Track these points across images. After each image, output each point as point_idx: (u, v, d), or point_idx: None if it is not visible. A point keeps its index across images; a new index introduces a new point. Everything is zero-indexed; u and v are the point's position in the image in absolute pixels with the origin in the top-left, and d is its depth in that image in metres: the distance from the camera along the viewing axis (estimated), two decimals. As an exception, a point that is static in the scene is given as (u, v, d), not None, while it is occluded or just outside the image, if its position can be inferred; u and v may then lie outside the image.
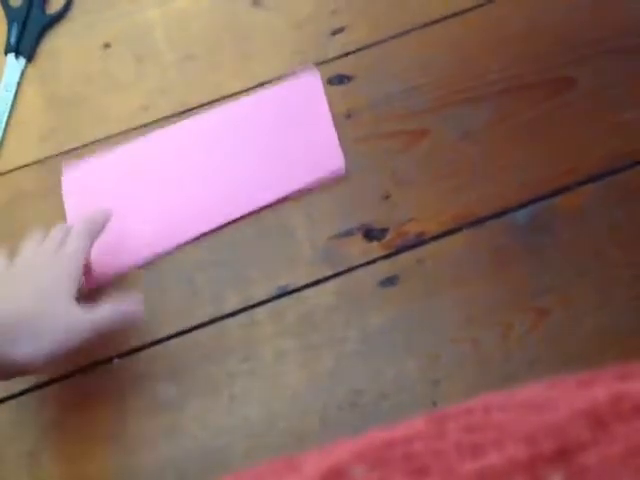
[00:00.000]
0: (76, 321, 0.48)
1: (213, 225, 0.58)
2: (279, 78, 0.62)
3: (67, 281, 0.49)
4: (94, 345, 0.50)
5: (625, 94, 0.59)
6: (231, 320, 0.55)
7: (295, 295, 0.56)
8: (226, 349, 0.55)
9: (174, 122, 0.61)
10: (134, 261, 0.57)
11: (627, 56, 0.60)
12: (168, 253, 0.57)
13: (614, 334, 0.53)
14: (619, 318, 0.53)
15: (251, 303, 0.56)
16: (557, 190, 0.57)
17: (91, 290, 0.56)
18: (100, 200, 0.59)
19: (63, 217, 0.59)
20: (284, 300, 0.56)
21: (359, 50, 0.62)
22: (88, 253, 0.52)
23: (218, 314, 0.56)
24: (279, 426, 0.52)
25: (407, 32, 0.63)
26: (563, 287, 0.54)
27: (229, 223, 0.58)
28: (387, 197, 0.58)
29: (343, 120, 0.60)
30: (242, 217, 0.58)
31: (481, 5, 0.63)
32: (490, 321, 0.54)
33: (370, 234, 0.57)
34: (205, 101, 0.62)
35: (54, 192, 0.60)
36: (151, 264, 0.57)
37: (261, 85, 0.62)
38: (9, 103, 0.63)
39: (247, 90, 0.62)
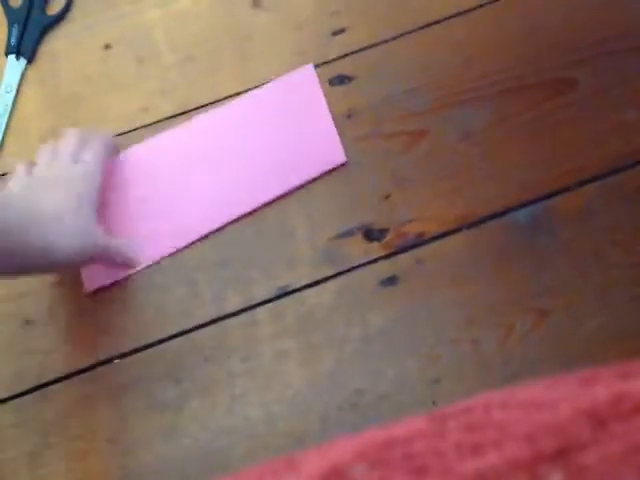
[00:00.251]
0: (96, 231, 0.51)
1: (216, 225, 0.58)
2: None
3: (89, 191, 0.52)
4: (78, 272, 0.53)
5: (625, 95, 0.59)
6: (232, 320, 0.55)
7: (295, 295, 0.56)
8: (227, 349, 0.55)
9: (174, 123, 0.61)
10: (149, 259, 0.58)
11: (627, 57, 0.60)
12: (171, 255, 0.57)
13: (615, 334, 0.53)
14: (620, 318, 0.53)
15: (252, 303, 0.56)
16: (557, 190, 0.57)
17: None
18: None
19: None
20: (284, 300, 0.56)
21: (359, 51, 0.62)
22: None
23: (219, 314, 0.56)
24: (279, 426, 0.52)
25: (407, 33, 0.63)
26: (564, 287, 0.54)
27: (231, 222, 0.58)
28: (387, 197, 0.58)
29: (344, 120, 0.60)
30: (244, 215, 0.58)
31: (481, 6, 0.63)
32: (490, 321, 0.53)
33: (370, 234, 0.57)
34: (205, 102, 0.62)
35: (55, 193, 0.60)
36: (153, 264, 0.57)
37: (262, 86, 0.62)
38: (9, 104, 0.63)
39: (247, 91, 0.62)
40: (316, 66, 0.62)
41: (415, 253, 0.56)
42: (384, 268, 0.56)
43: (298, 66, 0.62)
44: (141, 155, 0.61)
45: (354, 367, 0.53)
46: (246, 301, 0.56)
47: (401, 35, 0.63)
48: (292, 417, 0.52)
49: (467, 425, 0.20)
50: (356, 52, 0.62)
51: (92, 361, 0.55)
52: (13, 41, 0.65)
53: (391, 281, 0.55)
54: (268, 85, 0.62)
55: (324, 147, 0.59)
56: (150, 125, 0.62)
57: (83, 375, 0.55)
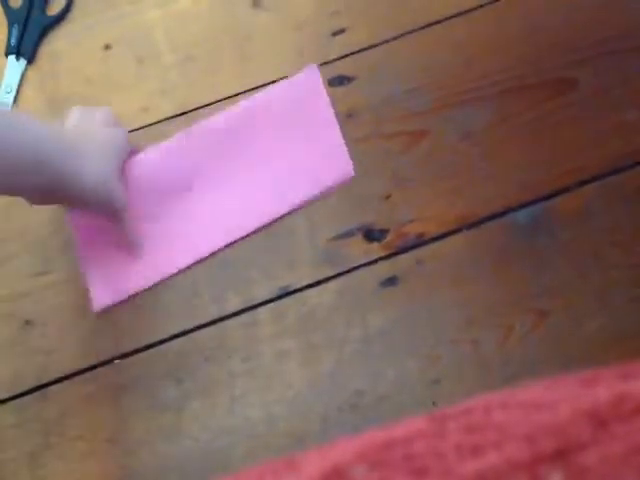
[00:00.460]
0: (120, 185, 0.54)
1: (227, 240, 0.57)
2: (279, 79, 0.62)
3: (119, 151, 0.55)
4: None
5: (626, 95, 0.59)
6: (232, 320, 0.55)
7: (296, 296, 0.56)
8: (227, 349, 0.55)
9: (174, 123, 0.61)
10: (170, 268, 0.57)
11: (628, 57, 0.60)
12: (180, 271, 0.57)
13: (615, 335, 0.53)
14: (620, 319, 0.53)
15: (252, 303, 0.56)
16: (557, 191, 0.57)
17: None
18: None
19: (63, 218, 0.59)
20: (285, 300, 0.56)
21: (360, 51, 0.62)
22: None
23: (219, 314, 0.56)
24: (280, 427, 0.52)
25: (408, 33, 0.63)
26: (563, 288, 0.54)
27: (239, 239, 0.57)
28: (387, 198, 0.58)
29: (344, 121, 0.60)
30: (253, 232, 0.57)
31: (482, 6, 0.63)
32: (490, 322, 0.54)
33: (370, 235, 0.57)
34: (205, 102, 0.62)
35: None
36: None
37: (262, 86, 0.62)
38: (10, 105, 0.63)
39: (247, 91, 0.62)
40: (316, 66, 0.62)
41: (415, 253, 0.56)
42: (384, 268, 0.56)
43: (298, 66, 0.62)
44: (144, 168, 0.59)
45: (354, 367, 0.53)
46: (247, 301, 0.56)
47: (401, 35, 0.63)
48: (292, 417, 0.53)
49: (467, 426, 0.20)
50: (356, 52, 0.62)
51: (92, 361, 0.55)
52: (13, 41, 0.65)
53: (391, 281, 0.55)
54: (272, 88, 0.61)
55: (332, 161, 0.58)
56: (150, 125, 0.62)
57: (83, 375, 0.55)
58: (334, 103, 0.60)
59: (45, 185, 0.48)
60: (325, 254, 0.57)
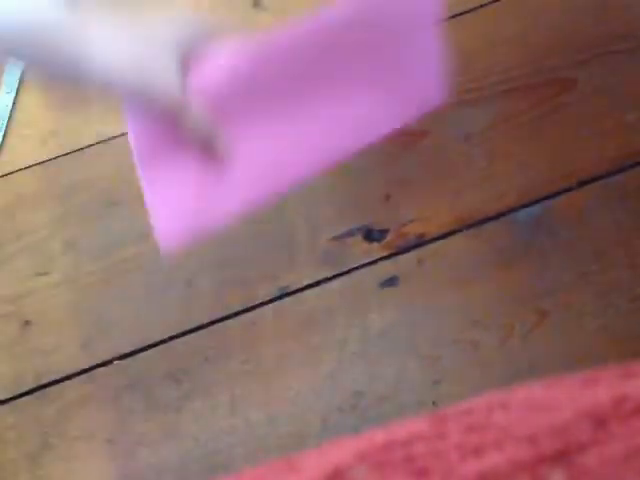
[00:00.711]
0: (172, 77, 0.41)
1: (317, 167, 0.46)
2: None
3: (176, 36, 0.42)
4: None
5: (625, 95, 0.59)
6: (232, 321, 0.55)
7: (296, 296, 0.56)
8: (227, 350, 0.55)
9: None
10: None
11: (627, 57, 0.60)
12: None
13: (615, 335, 0.53)
14: (620, 319, 0.53)
15: (252, 304, 0.56)
16: (558, 191, 0.57)
17: None
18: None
19: (63, 218, 0.59)
20: (285, 301, 0.56)
21: (359, 51, 0.62)
22: None
23: (219, 315, 0.56)
24: (280, 428, 0.52)
25: (407, 33, 0.62)
26: (564, 288, 0.54)
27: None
28: (387, 198, 0.58)
29: (343, 121, 0.60)
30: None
31: (482, 6, 0.63)
32: (490, 322, 0.53)
33: (370, 235, 0.57)
34: (206, 102, 0.62)
35: (54, 194, 0.60)
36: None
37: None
38: (10, 104, 0.63)
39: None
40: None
41: (415, 253, 0.56)
42: (384, 269, 0.56)
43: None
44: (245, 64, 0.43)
45: (354, 368, 0.53)
46: (247, 302, 0.56)
47: (401, 35, 0.62)
48: (292, 418, 0.52)
49: (468, 426, 0.20)
50: (356, 52, 0.62)
51: (92, 362, 0.55)
52: (13, 41, 0.65)
53: (391, 282, 0.55)
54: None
55: (426, 84, 0.47)
56: (150, 125, 0.61)
57: (83, 376, 0.55)
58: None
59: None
60: (325, 254, 0.56)
